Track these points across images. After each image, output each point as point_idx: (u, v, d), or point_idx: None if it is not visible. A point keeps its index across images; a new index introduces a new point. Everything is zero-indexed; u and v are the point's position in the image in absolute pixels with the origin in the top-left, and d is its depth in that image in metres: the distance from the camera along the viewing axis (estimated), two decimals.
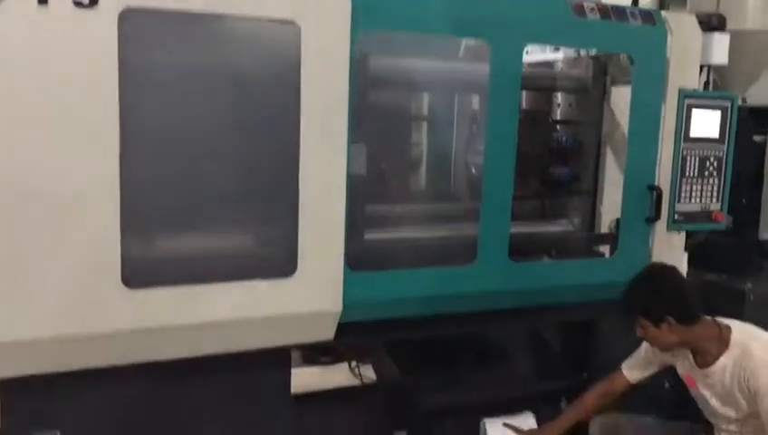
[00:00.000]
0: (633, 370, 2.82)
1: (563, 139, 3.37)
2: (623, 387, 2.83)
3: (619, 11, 2.93)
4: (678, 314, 2.48)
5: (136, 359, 2.30)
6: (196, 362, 2.40)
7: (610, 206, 3.24)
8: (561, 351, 2.81)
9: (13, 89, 1.99)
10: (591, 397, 2.87)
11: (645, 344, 2.76)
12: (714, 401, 2.58)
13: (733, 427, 2.58)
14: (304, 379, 3.79)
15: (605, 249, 3.27)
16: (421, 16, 2.58)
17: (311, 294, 2.47)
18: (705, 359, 2.55)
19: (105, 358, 2.25)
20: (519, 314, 3.04)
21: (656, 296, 2.51)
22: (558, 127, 3.45)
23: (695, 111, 3.01)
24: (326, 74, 2.37)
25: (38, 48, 2.00)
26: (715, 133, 3.09)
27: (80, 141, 2.07)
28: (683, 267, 3.21)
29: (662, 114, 2.99)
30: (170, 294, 2.28)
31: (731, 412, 2.54)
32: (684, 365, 2.67)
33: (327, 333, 2.59)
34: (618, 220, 3.08)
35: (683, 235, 3.15)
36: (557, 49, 3.42)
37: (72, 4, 2.01)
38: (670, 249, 3.11)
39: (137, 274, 2.21)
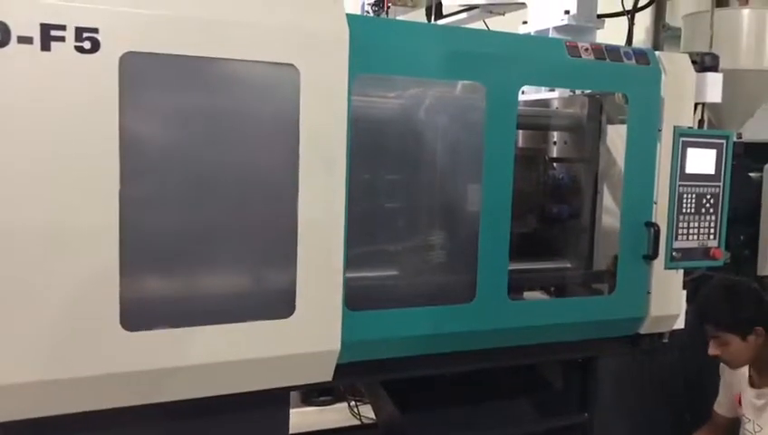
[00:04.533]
0: (720, 404, 2.81)
1: (560, 176, 3.40)
2: (722, 422, 2.81)
3: (613, 51, 2.96)
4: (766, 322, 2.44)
5: (133, 402, 2.29)
6: (193, 403, 2.38)
7: (608, 243, 3.24)
8: (562, 389, 2.78)
9: (12, 130, 2.00)
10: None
11: (721, 378, 2.75)
12: (753, 426, 2.55)
13: None
14: (303, 419, 3.78)
15: (603, 286, 3.27)
16: (417, 60, 2.62)
17: (309, 334, 2.46)
18: (761, 378, 2.52)
19: (102, 401, 2.24)
20: (519, 352, 3.03)
21: (742, 309, 2.47)
22: (554, 165, 3.47)
23: (690, 150, 3.04)
24: (324, 117, 2.40)
25: (40, 91, 2.02)
26: (710, 170, 3.11)
27: (79, 184, 2.09)
28: (681, 304, 3.21)
29: (657, 152, 3.01)
30: (169, 337, 2.27)
31: None
32: (740, 384, 2.64)
33: (326, 374, 2.58)
34: (615, 257, 3.08)
35: (681, 272, 3.15)
36: (552, 88, 3.46)
37: (74, 50, 2.04)
38: (669, 286, 3.11)
39: (135, 316, 2.20)
